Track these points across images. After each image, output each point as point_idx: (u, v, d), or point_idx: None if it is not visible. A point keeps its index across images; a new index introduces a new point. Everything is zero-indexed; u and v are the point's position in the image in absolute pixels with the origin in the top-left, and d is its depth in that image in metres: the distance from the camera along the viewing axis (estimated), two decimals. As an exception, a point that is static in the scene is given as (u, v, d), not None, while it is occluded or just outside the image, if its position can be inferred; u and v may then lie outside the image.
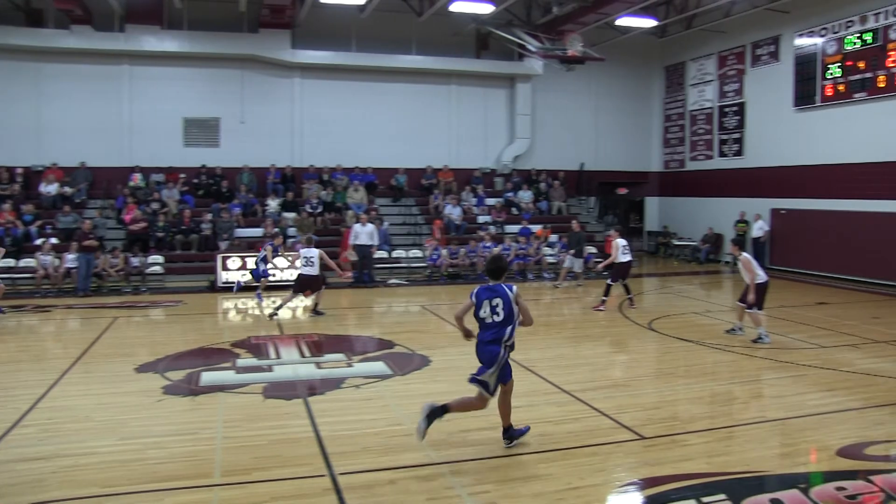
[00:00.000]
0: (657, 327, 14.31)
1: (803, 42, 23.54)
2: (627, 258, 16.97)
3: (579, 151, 29.77)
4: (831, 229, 22.25)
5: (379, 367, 11.11)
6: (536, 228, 24.74)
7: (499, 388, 7.42)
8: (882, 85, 20.77)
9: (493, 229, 24.39)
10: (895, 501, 6.20)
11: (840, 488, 6.43)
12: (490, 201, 26.67)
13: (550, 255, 23.48)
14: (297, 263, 16.69)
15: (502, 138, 28.76)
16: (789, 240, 23.92)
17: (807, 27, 23.36)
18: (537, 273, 22.96)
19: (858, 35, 21.52)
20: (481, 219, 25.52)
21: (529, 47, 25.06)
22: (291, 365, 11.32)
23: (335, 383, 10.08)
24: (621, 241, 16.99)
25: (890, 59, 20.56)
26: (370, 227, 20.87)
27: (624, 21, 24.99)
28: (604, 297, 16.76)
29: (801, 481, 6.59)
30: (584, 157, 29.81)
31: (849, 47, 21.82)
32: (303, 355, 12.03)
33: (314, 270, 15.51)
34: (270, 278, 18.53)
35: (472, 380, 7.36)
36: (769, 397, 9.54)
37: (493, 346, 7.29)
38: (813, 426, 8.21)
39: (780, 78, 24.50)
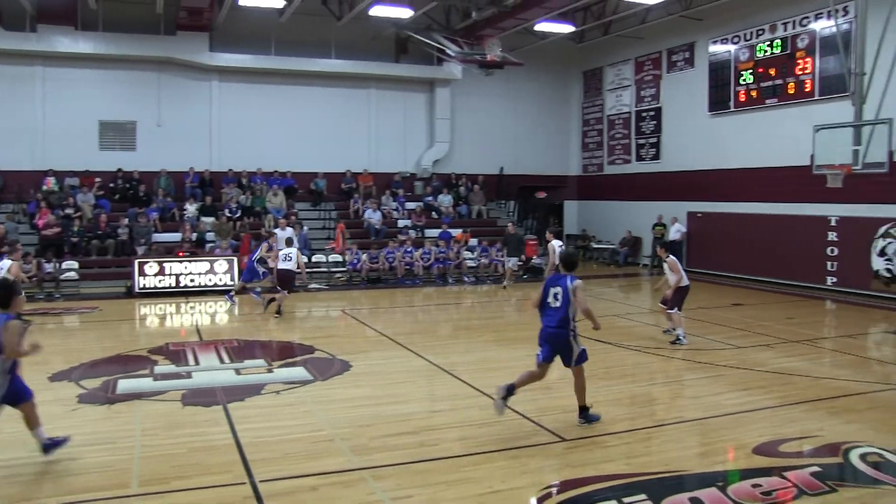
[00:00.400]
0: (577, 330, 14.40)
1: (717, 49, 24.19)
2: None
3: (499, 155, 29.95)
4: (746, 232, 22.86)
5: (299, 372, 10.95)
6: (456, 232, 24.77)
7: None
8: (791, 91, 21.50)
9: (413, 233, 24.35)
10: (808, 496, 6.36)
11: (756, 485, 6.56)
12: (410, 205, 26.60)
13: (470, 259, 23.55)
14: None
15: (422, 142, 28.76)
16: (705, 242, 24.51)
17: (720, 35, 24.01)
18: (457, 277, 22.98)
19: (769, 43, 22.23)
20: (401, 223, 25.41)
21: (449, 52, 25.05)
22: (210, 371, 11.06)
23: (255, 389, 9.89)
24: (556, 242, 17.14)
25: (798, 67, 21.29)
26: (290, 231, 20.65)
27: (542, 26, 25.27)
28: None
29: (719, 479, 6.71)
30: (504, 162, 30.00)
31: (760, 55, 22.51)
32: (222, 361, 11.77)
33: (293, 265, 16.32)
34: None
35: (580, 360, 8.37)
36: (687, 398, 9.71)
37: (560, 331, 8.22)
38: (730, 425, 8.38)
39: (696, 84, 25.12)
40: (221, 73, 25.65)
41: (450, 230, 24.77)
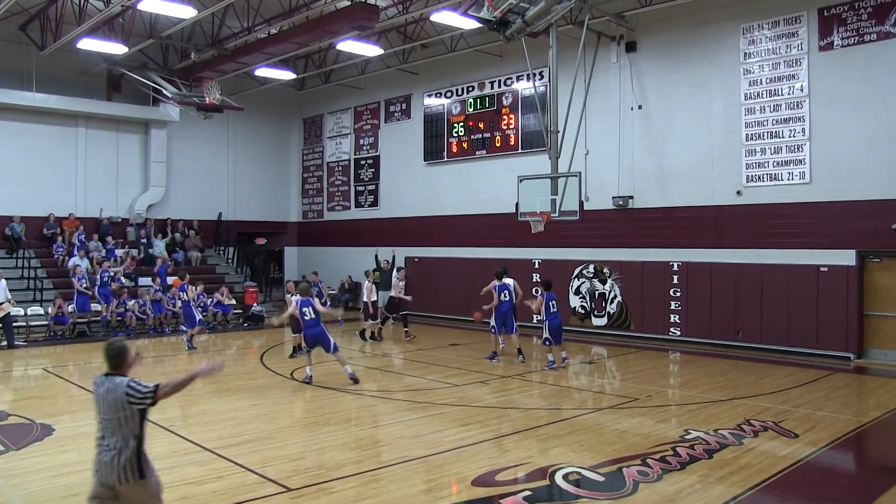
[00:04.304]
0: (299, 377, 14.38)
1: (431, 102, 25.55)
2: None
3: (217, 201, 29.36)
4: (461, 275, 24.05)
5: (-12, 443, 9.75)
6: (172, 280, 23.73)
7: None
8: (498, 144, 23.24)
9: (124, 282, 23.00)
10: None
11: (476, 515, 6.94)
12: (121, 252, 25.18)
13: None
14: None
15: (136, 186, 27.38)
16: (423, 285, 25.40)
17: (434, 88, 25.41)
18: (174, 327, 22.00)
19: (478, 99, 23.89)
20: (112, 270, 23.80)
21: (165, 92, 24.30)
22: None
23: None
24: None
25: (504, 123, 23.08)
26: (3, 282, 18.80)
27: (263, 72, 25.27)
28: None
29: (442, 513, 7.00)
30: (222, 207, 29.44)
31: (471, 109, 24.12)
32: None
33: (365, 298, 19.14)
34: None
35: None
36: (409, 437, 9.99)
37: (510, 313, 15.71)
38: (451, 460, 8.76)
39: (412, 134, 26.31)
40: None
41: (166, 278, 23.65)
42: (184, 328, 21.68)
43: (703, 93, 18.75)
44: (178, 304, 20.93)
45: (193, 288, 19.44)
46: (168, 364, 16.99)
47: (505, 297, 16.03)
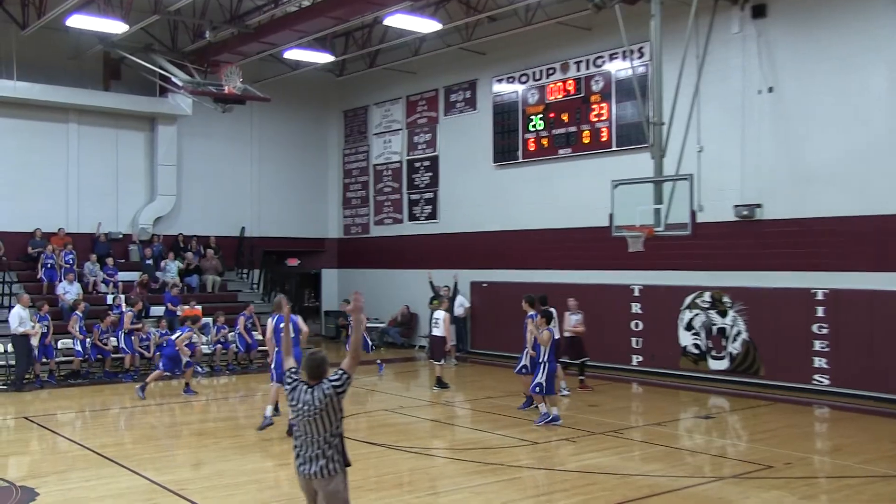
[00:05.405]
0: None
1: (502, 89, 25.37)
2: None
3: (239, 213, 29.61)
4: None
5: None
6: (185, 309, 23.86)
7: None
8: (587, 141, 22.85)
9: (127, 310, 23.17)
10: None
11: None
12: (123, 276, 25.39)
13: (204, 345, 22.57)
14: None
15: (140, 195, 27.78)
16: (492, 318, 25.14)
17: (505, 72, 25.22)
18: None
19: (561, 84, 23.62)
20: (111, 298, 24.09)
21: (175, 80, 24.49)
22: None
23: None
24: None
25: (593, 113, 22.70)
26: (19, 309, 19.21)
27: (294, 54, 25.38)
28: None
29: None
30: (245, 221, 29.69)
31: (551, 98, 23.84)
32: None
33: (441, 332, 19.58)
34: None
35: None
36: (477, 508, 9.81)
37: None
38: (529, 539, 8.52)
39: (478, 129, 26.13)
40: None
41: (178, 307, 23.80)
42: (199, 370, 21.66)
43: (856, 68, 18.07)
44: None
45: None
46: (181, 411, 17.02)
47: None
